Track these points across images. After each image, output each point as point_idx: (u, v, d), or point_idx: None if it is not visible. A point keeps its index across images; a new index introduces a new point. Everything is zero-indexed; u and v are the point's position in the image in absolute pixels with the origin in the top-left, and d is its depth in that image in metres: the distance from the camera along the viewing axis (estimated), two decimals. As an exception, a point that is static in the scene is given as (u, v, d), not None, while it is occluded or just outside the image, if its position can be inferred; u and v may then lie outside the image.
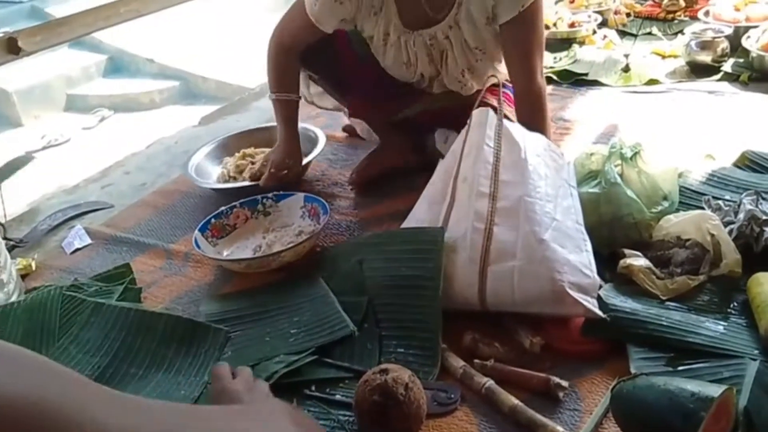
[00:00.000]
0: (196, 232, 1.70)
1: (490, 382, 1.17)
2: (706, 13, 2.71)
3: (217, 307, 1.51)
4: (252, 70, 2.27)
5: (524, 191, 1.34)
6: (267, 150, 2.00)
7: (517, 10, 1.64)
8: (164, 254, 1.79)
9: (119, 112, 5.20)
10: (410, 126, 2.00)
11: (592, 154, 1.56)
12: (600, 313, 1.23)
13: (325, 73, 1.98)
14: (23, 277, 1.76)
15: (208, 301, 1.55)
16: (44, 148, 4.40)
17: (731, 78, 2.34)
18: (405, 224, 1.52)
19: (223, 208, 1.78)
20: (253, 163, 2.00)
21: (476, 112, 1.46)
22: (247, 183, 1.91)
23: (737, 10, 2.63)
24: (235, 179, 1.99)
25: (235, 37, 5.34)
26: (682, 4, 3.00)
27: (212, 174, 2.07)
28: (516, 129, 1.44)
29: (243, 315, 1.45)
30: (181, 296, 1.61)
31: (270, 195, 1.82)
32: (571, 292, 1.24)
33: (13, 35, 2.37)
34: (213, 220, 1.75)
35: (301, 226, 1.74)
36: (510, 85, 1.89)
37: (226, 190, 1.93)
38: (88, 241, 1.91)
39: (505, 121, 1.44)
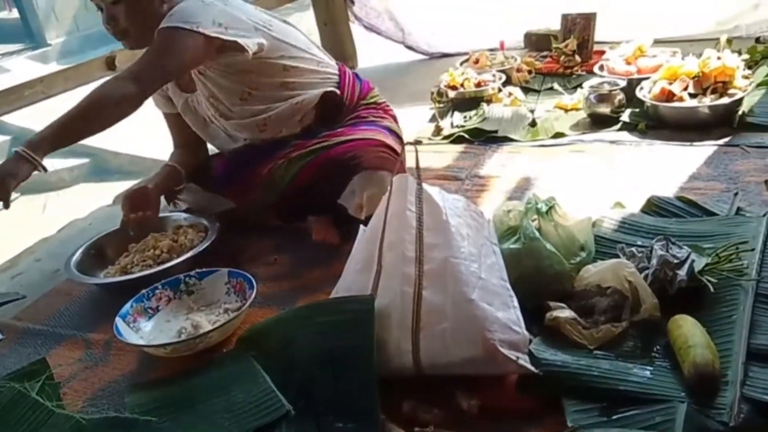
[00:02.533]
0: (117, 318, 1.64)
1: (431, 450, 1.16)
2: (601, 68, 2.87)
3: (144, 396, 1.45)
4: (167, 142, 2.24)
5: (449, 253, 1.36)
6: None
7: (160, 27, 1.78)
8: (83, 344, 1.71)
9: (26, 194, 4.99)
10: (301, 195, 1.98)
11: (509, 211, 1.61)
12: (532, 368, 1.25)
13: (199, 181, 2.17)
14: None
15: (133, 391, 1.48)
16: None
17: (630, 127, 2.48)
18: (334, 293, 1.51)
19: (144, 290, 1.73)
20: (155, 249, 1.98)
21: (396, 179, 1.48)
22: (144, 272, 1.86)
23: (628, 63, 2.81)
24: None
25: (147, 108, 5.26)
26: (578, 59, 3.18)
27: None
28: (435, 192, 1.47)
29: (172, 403, 1.40)
30: (104, 388, 1.54)
31: (193, 273, 1.78)
32: (502, 349, 1.26)
33: None
34: (134, 304, 1.69)
35: (227, 303, 1.71)
36: (390, 112, 2.16)
37: (126, 282, 1.84)
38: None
39: (424, 185, 1.46)
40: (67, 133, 1.68)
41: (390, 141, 1.99)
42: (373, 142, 1.94)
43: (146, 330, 1.67)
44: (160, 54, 1.78)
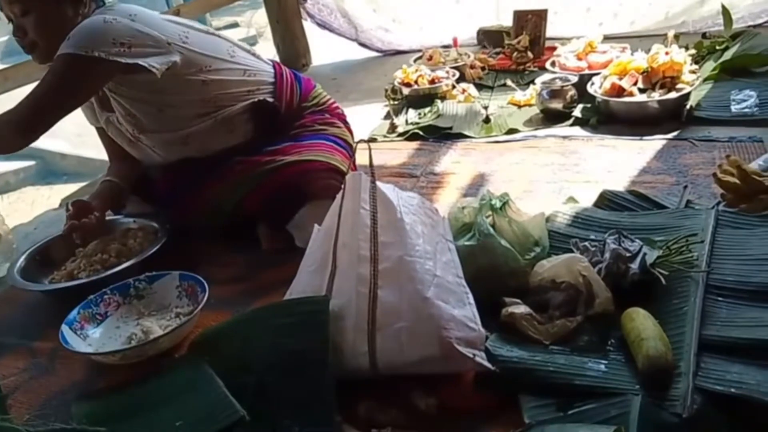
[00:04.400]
0: (63, 325, 1.58)
1: (389, 451, 1.15)
2: (553, 63, 2.90)
3: (93, 406, 1.40)
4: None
5: (404, 251, 1.34)
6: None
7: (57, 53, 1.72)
8: (28, 354, 1.66)
9: (-31, 199, 4.83)
10: (248, 219, 1.96)
11: (464, 208, 1.60)
12: (489, 365, 1.25)
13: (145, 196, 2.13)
14: None
15: (81, 400, 1.43)
16: None
17: (582, 122, 2.51)
18: (288, 295, 1.49)
19: (91, 296, 1.67)
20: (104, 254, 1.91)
21: (349, 177, 1.47)
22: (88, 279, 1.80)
23: (579, 59, 2.84)
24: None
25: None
26: (530, 56, 3.20)
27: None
28: (390, 189, 1.46)
29: (123, 412, 1.35)
30: (51, 398, 1.49)
31: (142, 277, 1.73)
32: (458, 347, 1.25)
33: None
34: (81, 311, 1.64)
35: (178, 308, 1.67)
36: (336, 111, 2.12)
37: (72, 288, 1.78)
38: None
39: (378, 183, 1.45)
40: None
41: (338, 157, 1.93)
42: (321, 166, 1.86)
43: (94, 337, 1.62)
44: (54, 88, 1.71)
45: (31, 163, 5.08)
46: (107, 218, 2.04)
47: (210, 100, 1.90)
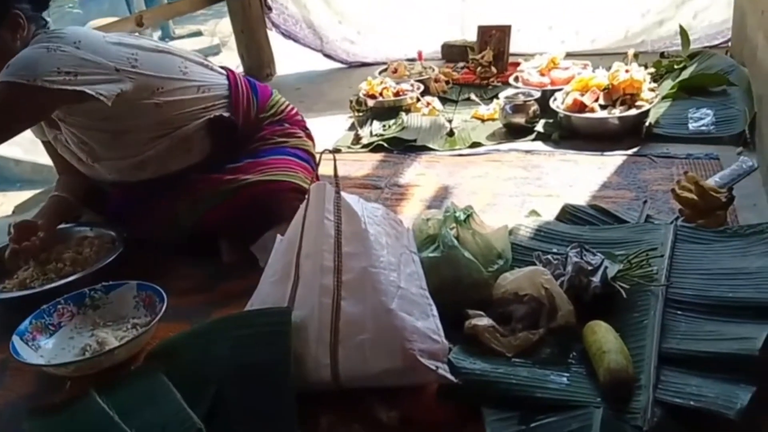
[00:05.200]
0: (14, 336, 1.53)
1: (351, 465, 1.13)
2: (516, 79, 2.93)
3: (46, 422, 1.35)
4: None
5: (368, 262, 1.33)
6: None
7: None
8: (-24, 365, 1.59)
9: None
10: (207, 237, 1.91)
11: (428, 219, 1.60)
12: (452, 377, 1.24)
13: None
14: None
15: (33, 416, 1.37)
16: None
17: (544, 137, 2.54)
18: (249, 306, 1.46)
19: (44, 306, 1.62)
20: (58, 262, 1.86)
21: (314, 187, 1.45)
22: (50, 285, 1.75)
23: (542, 74, 2.87)
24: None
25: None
26: (494, 71, 3.24)
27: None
28: (354, 200, 1.45)
29: (77, 428, 1.31)
30: (1, 412, 1.43)
31: (98, 287, 1.69)
32: (422, 359, 1.24)
33: None
34: (33, 321, 1.59)
35: (135, 318, 1.63)
36: (296, 118, 2.10)
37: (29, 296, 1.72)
38: None
39: (343, 193, 1.44)
40: None
41: (300, 174, 1.90)
42: (285, 186, 1.83)
43: (47, 348, 1.57)
44: None
45: (-16, 168, 4.96)
46: (63, 226, 1.98)
47: (165, 121, 1.84)
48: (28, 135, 1.92)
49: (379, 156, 2.58)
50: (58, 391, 1.46)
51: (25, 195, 2.92)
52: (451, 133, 2.66)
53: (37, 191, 2.83)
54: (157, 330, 1.57)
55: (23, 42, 1.71)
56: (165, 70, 1.84)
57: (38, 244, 1.86)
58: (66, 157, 1.98)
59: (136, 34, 2.96)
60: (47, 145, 2.06)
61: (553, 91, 2.68)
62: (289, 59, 4.15)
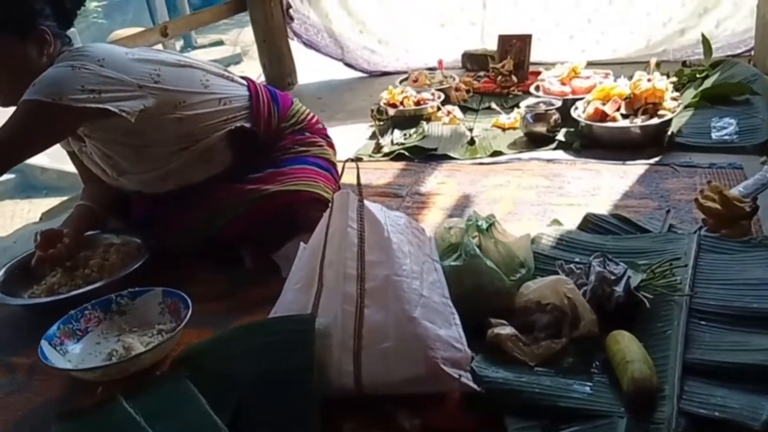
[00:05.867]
0: (42, 341, 1.55)
1: (373, 472, 1.14)
2: (537, 88, 2.94)
3: (73, 425, 1.37)
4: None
5: (391, 270, 1.34)
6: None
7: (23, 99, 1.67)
8: (4, 369, 1.62)
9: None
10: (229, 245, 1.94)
11: (450, 228, 1.61)
12: (475, 386, 1.25)
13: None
14: None
15: (61, 419, 1.40)
16: None
17: (565, 146, 2.54)
18: (273, 313, 1.47)
19: (72, 311, 1.65)
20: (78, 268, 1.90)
21: (337, 195, 1.47)
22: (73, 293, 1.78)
23: (563, 83, 2.88)
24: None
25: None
26: (515, 80, 3.25)
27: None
28: (377, 209, 1.46)
29: (104, 431, 1.33)
30: (28, 415, 1.46)
31: (125, 293, 1.71)
32: (444, 367, 1.25)
33: None
34: (61, 326, 1.61)
35: (161, 324, 1.64)
36: (317, 126, 2.12)
37: (51, 304, 1.76)
38: None
39: (366, 201, 1.45)
40: None
41: (321, 183, 1.91)
42: (306, 197, 1.84)
43: (74, 353, 1.59)
44: (15, 132, 1.65)
45: (11, 176, 5.04)
46: (88, 234, 2.02)
47: (187, 134, 1.87)
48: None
49: (400, 165, 2.59)
50: (85, 395, 1.48)
51: (52, 202, 2.97)
52: (471, 142, 2.66)
53: (64, 198, 2.88)
54: (182, 336, 1.59)
55: (49, 58, 1.75)
56: (187, 84, 1.86)
57: (64, 252, 1.89)
58: (91, 168, 2.01)
59: (159, 45, 3.01)
60: (72, 155, 2.09)
61: (574, 100, 2.69)
62: (310, 68, 4.20)
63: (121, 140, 1.83)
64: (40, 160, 4.98)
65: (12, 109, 1.71)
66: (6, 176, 5.03)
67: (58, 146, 2.00)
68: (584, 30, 3.62)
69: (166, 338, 1.53)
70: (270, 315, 1.47)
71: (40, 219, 2.56)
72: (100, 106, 1.67)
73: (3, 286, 1.85)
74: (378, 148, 2.73)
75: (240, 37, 7.56)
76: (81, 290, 1.77)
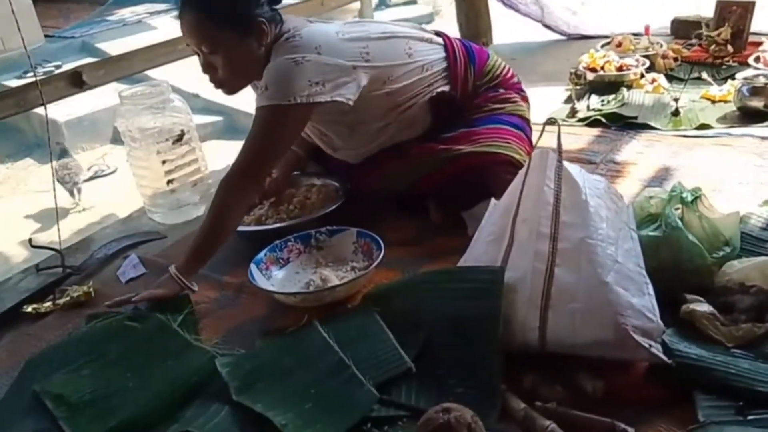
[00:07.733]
0: (251, 264, 1.72)
1: (552, 426, 1.15)
2: (757, 59, 2.70)
3: (275, 341, 1.52)
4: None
5: (586, 233, 1.33)
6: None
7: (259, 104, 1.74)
8: (218, 286, 1.81)
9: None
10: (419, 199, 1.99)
11: (651, 198, 1.55)
12: (665, 358, 1.22)
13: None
14: (81, 304, 1.79)
15: (264, 335, 1.56)
16: (91, 178, 4.47)
17: (785, 125, 2.32)
18: (462, 262, 1.52)
19: (277, 241, 1.80)
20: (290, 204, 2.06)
21: (536, 154, 1.47)
22: (278, 225, 1.95)
23: (789, 56, 2.62)
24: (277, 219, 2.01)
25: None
26: (730, 50, 2.99)
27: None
28: (576, 170, 1.44)
29: (301, 349, 1.46)
30: (235, 329, 1.63)
31: (323, 230, 1.84)
32: (635, 336, 1.23)
33: (78, 69, 2.44)
34: (268, 253, 1.78)
35: (353, 262, 1.76)
36: (511, 81, 2.10)
37: (260, 233, 1.92)
38: (143, 270, 1.94)
39: (565, 162, 1.44)
40: (204, 254, 1.73)
41: (514, 145, 1.90)
42: (499, 160, 1.84)
43: (277, 278, 1.75)
44: (263, 139, 1.75)
45: (219, 118, 5.48)
46: (294, 174, 2.19)
47: (393, 107, 1.92)
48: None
49: (595, 131, 2.51)
50: (284, 318, 1.62)
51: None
52: (676, 113, 2.51)
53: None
54: (373, 275, 1.68)
55: (267, 47, 1.79)
56: (393, 57, 1.89)
57: (272, 188, 2.06)
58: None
59: (357, 4, 2.98)
60: None
61: (800, 75, 2.44)
62: (506, 29, 4.13)
63: (335, 118, 1.91)
64: (245, 105, 5.39)
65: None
66: (214, 118, 5.49)
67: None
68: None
69: (359, 274, 1.63)
70: (459, 264, 1.52)
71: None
72: (327, 98, 1.74)
73: None
74: (573, 112, 2.66)
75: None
76: (285, 223, 1.93)
